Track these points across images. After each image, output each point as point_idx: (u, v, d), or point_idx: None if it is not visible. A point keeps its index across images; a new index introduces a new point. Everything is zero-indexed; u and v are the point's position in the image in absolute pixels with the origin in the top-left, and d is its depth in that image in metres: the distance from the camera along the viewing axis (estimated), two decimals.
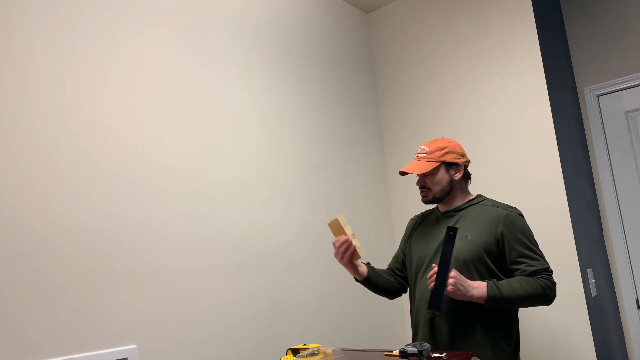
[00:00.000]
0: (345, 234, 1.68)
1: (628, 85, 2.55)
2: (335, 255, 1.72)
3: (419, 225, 1.92)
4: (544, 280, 1.62)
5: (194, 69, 1.87)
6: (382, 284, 1.86)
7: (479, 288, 1.62)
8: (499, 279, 1.69)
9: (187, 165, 1.78)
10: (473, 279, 1.68)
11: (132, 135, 1.63)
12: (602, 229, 2.56)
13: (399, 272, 1.93)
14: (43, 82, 1.45)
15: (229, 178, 1.91)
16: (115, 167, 1.57)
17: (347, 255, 1.69)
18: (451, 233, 1.61)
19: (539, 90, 2.28)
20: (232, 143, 1.95)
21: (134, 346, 1.51)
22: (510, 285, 1.61)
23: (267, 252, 1.99)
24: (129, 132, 1.63)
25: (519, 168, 2.31)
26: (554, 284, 1.64)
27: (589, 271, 2.24)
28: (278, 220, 2.07)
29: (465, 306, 1.69)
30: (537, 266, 1.64)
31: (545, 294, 1.62)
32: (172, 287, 1.65)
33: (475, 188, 2.34)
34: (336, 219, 1.69)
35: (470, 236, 1.72)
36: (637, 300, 2.46)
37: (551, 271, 1.65)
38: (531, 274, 1.63)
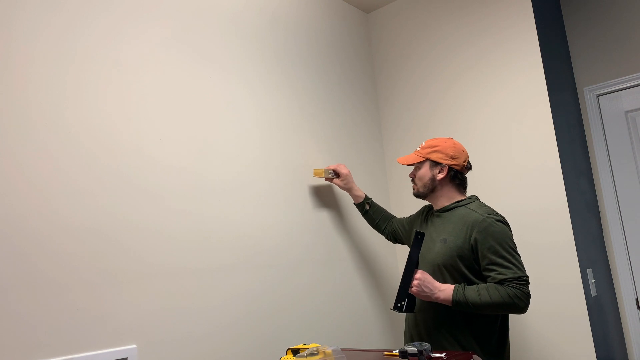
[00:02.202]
0: (327, 169, 2.20)
1: (628, 85, 2.55)
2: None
3: (424, 217, 1.98)
4: (513, 289, 1.60)
5: (194, 69, 1.88)
6: (370, 218, 2.24)
7: (445, 291, 1.64)
8: (472, 283, 1.69)
9: (187, 164, 1.78)
10: (445, 282, 1.70)
11: (132, 135, 1.63)
12: (601, 229, 2.56)
13: (393, 228, 2.18)
14: (43, 82, 1.45)
15: (229, 178, 1.91)
16: (115, 167, 1.57)
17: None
18: (419, 237, 1.69)
19: (539, 90, 2.27)
20: (232, 142, 1.95)
21: (134, 346, 1.51)
22: (478, 291, 1.62)
23: (268, 251, 1.99)
24: (129, 132, 1.63)
25: (518, 168, 2.31)
26: (526, 294, 1.62)
27: (589, 271, 2.24)
28: (278, 219, 2.07)
29: (438, 306, 1.71)
30: (508, 275, 1.62)
31: (513, 303, 1.60)
32: (173, 287, 1.65)
33: (475, 188, 2.34)
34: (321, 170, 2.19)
35: (447, 240, 1.74)
36: (637, 300, 2.46)
37: (525, 281, 1.63)
38: (500, 282, 1.62)
